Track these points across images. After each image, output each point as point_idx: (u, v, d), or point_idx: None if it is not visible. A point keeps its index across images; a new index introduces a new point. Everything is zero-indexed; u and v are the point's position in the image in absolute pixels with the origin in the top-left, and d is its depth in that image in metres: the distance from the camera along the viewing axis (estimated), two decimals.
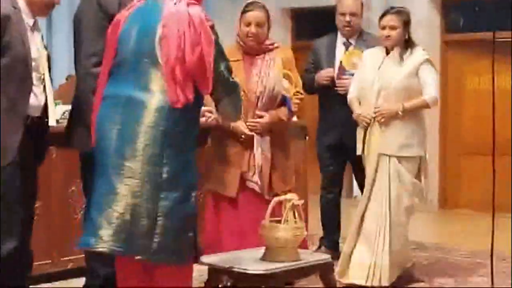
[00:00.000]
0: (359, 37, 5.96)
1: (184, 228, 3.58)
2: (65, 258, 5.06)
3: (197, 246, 3.74)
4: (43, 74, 4.04)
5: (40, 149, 4.16)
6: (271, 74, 4.67)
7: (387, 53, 5.26)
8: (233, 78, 3.75)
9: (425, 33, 9.35)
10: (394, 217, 5.09)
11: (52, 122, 4.14)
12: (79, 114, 4.13)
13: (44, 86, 4.06)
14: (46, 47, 4.18)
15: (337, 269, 4.94)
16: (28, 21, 4.01)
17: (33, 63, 3.97)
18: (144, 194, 3.51)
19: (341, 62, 5.84)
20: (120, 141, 3.55)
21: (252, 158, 4.61)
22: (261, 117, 4.65)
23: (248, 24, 4.73)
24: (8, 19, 3.87)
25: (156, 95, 3.55)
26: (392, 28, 5.19)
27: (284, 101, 4.73)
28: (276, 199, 4.11)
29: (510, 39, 7.18)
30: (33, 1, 4.01)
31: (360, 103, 5.28)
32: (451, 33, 9.48)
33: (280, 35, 10.27)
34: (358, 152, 5.24)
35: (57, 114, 5.20)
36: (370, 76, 5.22)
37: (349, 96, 5.37)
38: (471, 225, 7.85)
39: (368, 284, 5.02)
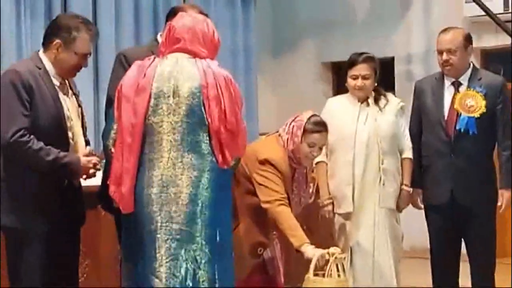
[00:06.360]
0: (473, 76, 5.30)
1: None
2: None
3: None
4: (73, 133, 4.02)
5: (78, 211, 4.15)
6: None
7: (359, 101, 5.05)
8: None
9: None
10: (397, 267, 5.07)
11: (82, 182, 4.11)
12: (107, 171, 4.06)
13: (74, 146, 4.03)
14: (80, 105, 4.14)
15: None
16: (55, 81, 3.98)
17: None
18: (204, 258, 3.43)
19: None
20: (176, 206, 3.46)
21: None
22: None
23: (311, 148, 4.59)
24: (34, 77, 3.84)
25: (206, 156, 3.48)
26: (365, 78, 4.98)
27: None
28: (319, 253, 4.15)
29: None
30: (58, 62, 3.97)
31: (327, 156, 5.08)
32: None
33: (323, 88, 10.42)
34: (349, 209, 5.03)
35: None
36: (349, 128, 5.01)
37: (317, 160, 4.97)
38: None
39: None
